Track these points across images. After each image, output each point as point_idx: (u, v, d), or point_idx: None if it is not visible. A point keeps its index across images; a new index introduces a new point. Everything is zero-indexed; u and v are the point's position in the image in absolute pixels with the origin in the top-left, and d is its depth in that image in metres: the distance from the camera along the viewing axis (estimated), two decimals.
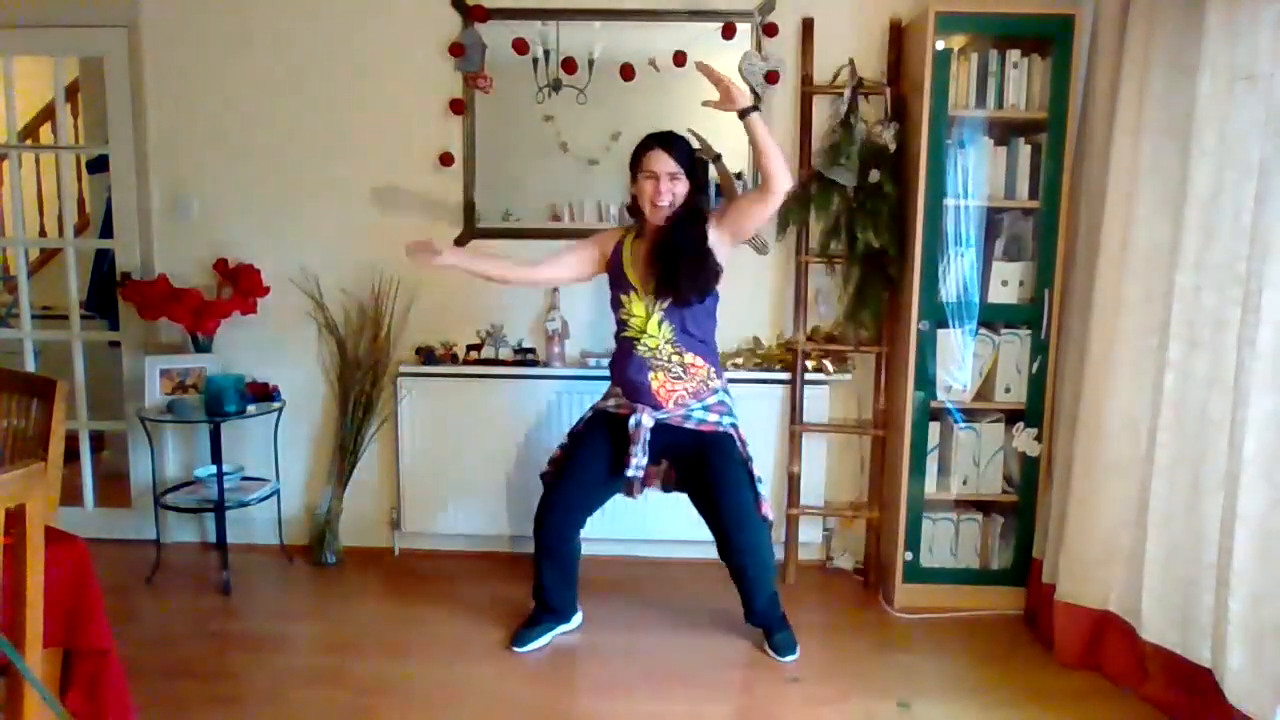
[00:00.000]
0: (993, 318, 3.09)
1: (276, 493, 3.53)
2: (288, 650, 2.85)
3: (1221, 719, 2.23)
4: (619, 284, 2.77)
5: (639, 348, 2.70)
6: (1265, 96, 2.18)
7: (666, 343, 2.67)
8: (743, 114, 2.55)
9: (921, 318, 3.03)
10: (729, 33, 3.32)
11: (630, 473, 2.68)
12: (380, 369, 3.49)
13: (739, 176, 3.40)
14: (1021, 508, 3.11)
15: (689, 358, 2.69)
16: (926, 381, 3.06)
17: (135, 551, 3.50)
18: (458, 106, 3.40)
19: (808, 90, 3.33)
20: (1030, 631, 3.00)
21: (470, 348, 3.51)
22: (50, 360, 3.88)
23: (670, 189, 2.66)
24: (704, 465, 2.73)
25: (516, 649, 2.82)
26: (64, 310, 3.70)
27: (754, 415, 3.37)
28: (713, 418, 2.73)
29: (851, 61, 3.27)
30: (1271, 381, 2.13)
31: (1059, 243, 2.98)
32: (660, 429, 2.71)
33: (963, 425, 3.12)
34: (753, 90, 3.35)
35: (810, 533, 3.44)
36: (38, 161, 4.96)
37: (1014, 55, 2.99)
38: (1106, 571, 2.68)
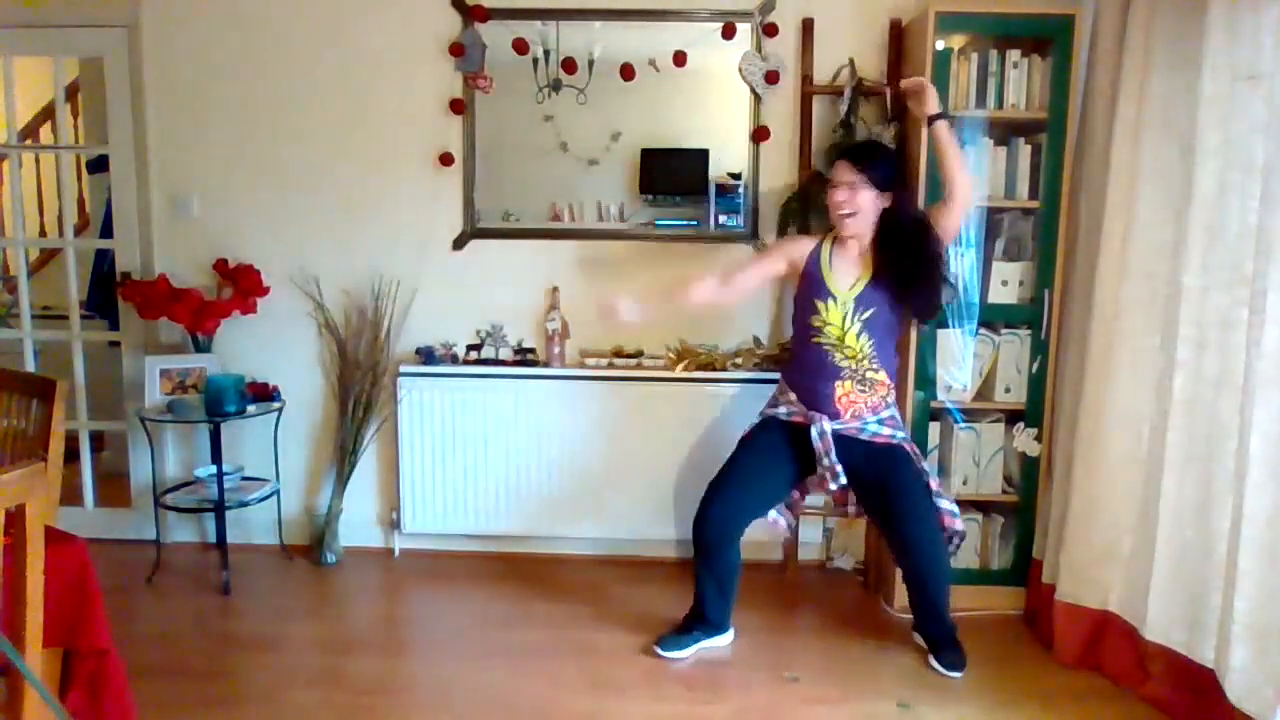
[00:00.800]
0: (993, 318, 3.09)
1: (276, 493, 3.53)
2: (287, 650, 2.85)
3: (1222, 719, 2.23)
4: (817, 291, 2.72)
5: (836, 356, 2.68)
6: (1268, 97, 2.18)
7: (865, 357, 2.67)
8: (930, 120, 2.62)
9: None
10: (729, 33, 3.32)
11: (833, 485, 2.68)
12: (380, 369, 3.50)
13: (738, 177, 3.41)
14: (1021, 508, 3.11)
15: (881, 374, 2.70)
16: (926, 381, 3.06)
17: (135, 551, 3.50)
18: (458, 106, 3.40)
19: (808, 90, 3.33)
20: (1030, 631, 3.00)
21: (470, 348, 3.51)
22: (50, 360, 3.88)
23: (850, 198, 2.68)
24: (883, 480, 2.70)
25: (661, 652, 2.78)
26: (64, 310, 3.71)
27: (754, 415, 3.37)
28: (887, 431, 2.72)
29: (851, 61, 3.28)
30: (1278, 381, 2.13)
31: (1059, 243, 2.97)
32: (835, 439, 2.68)
33: (963, 425, 3.12)
34: (752, 90, 3.36)
35: (810, 533, 3.44)
36: (38, 161, 4.96)
37: (1014, 55, 2.99)
38: (1107, 571, 2.68)
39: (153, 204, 3.53)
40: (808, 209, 3.26)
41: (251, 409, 3.32)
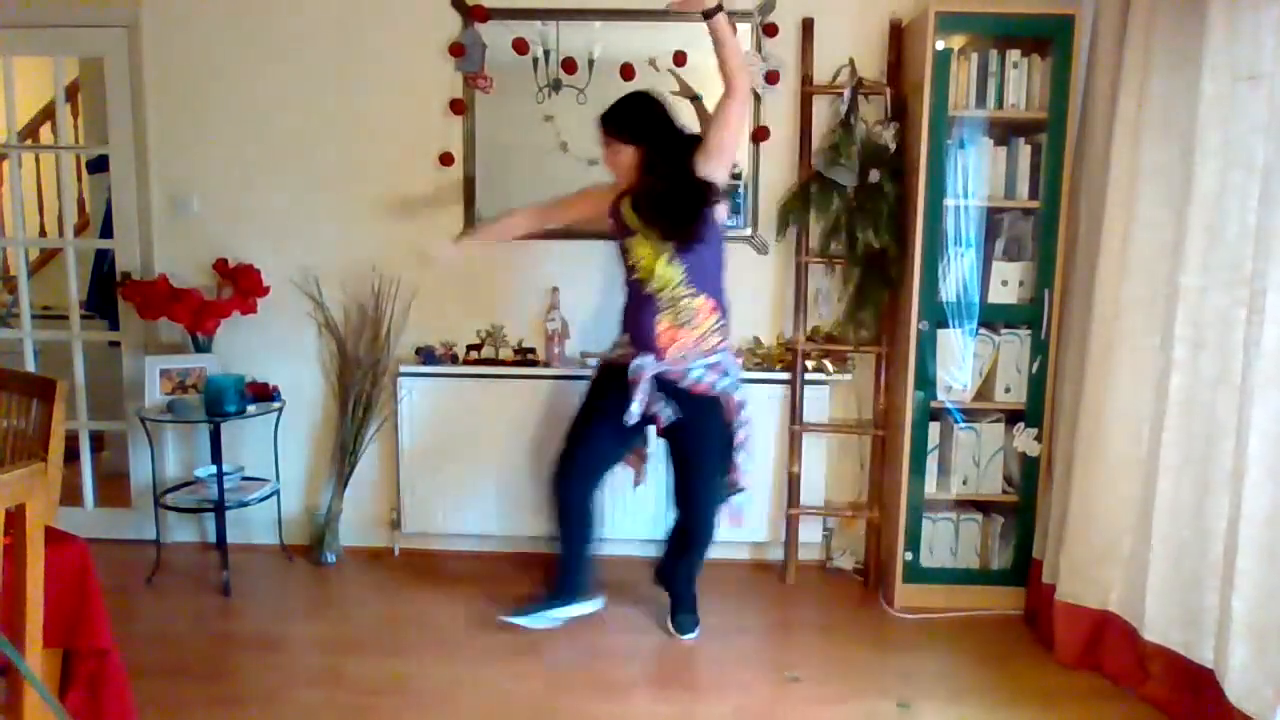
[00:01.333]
0: (993, 318, 3.09)
1: (276, 493, 3.53)
2: (288, 650, 2.85)
3: (1222, 719, 2.23)
4: (624, 231, 2.76)
5: (649, 287, 2.68)
6: (1268, 97, 2.18)
7: (678, 283, 2.66)
8: (706, 14, 2.58)
9: (921, 318, 3.03)
10: None
11: (627, 418, 2.67)
12: (380, 369, 3.50)
13: (738, 177, 3.40)
14: (1021, 508, 3.11)
15: (700, 300, 2.67)
16: (926, 381, 3.06)
17: (135, 551, 3.50)
18: (458, 106, 3.40)
19: (808, 90, 3.33)
20: (1030, 631, 3.00)
21: (470, 348, 3.51)
22: (50, 360, 3.88)
23: (611, 159, 2.75)
24: (688, 427, 2.75)
25: (513, 619, 2.88)
26: (64, 310, 3.70)
27: (754, 415, 3.36)
28: (709, 379, 2.72)
29: (851, 61, 3.28)
30: (1277, 381, 2.13)
31: (1059, 243, 2.98)
32: (658, 383, 2.71)
33: (963, 425, 3.12)
34: (753, 90, 3.36)
35: (810, 533, 3.43)
36: (38, 161, 4.96)
37: (1014, 55, 2.99)
38: (1107, 571, 2.68)
39: (153, 204, 3.53)
40: (808, 208, 3.26)
41: (251, 409, 3.31)
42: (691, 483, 2.80)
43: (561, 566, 2.90)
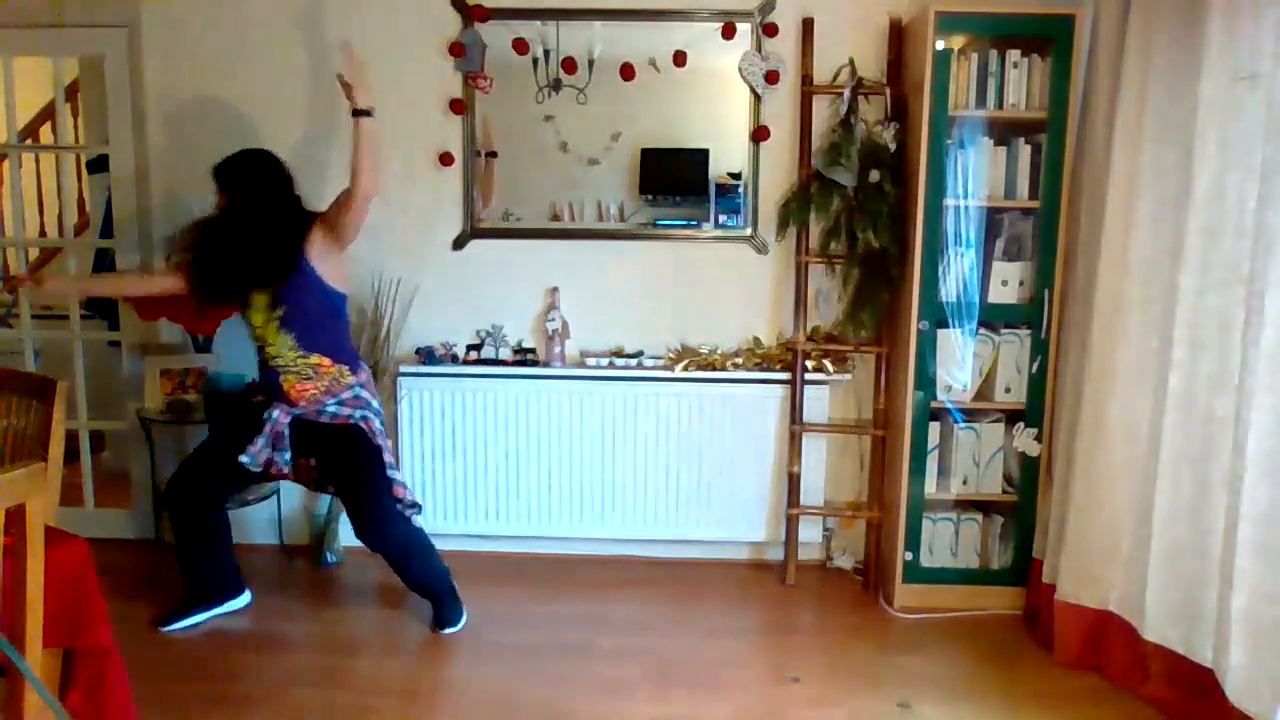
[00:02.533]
0: (993, 318, 3.09)
1: (276, 493, 3.53)
2: (288, 650, 2.85)
3: (1222, 719, 2.24)
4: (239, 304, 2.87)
5: (269, 354, 2.80)
6: (1267, 97, 2.18)
7: (289, 349, 2.78)
8: (355, 113, 2.69)
9: (921, 318, 3.03)
10: (729, 33, 3.32)
11: (245, 460, 2.77)
12: (380, 369, 3.49)
13: (737, 176, 3.41)
14: (1021, 508, 3.11)
15: (314, 359, 2.80)
16: (926, 381, 3.06)
17: (135, 551, 3.50)
18: (458, 106, 3.40)
19: (808, 90, 3.33)
20: (1030, 631, 3.00)
21: (470, 348, 3.51)
22: (50, 360, 3.88)
23: (215, 205, 2.85)
24: (338, 456, 2.86)
25: (163, 629, 2.92)
26: (64, 310, 3.71)
27: (754, 415, 3.39)
28: (346, 411, 2.84)
29: (851, 61, 3.27)
30: (1275, 381, 2.13)
31: (1059, 243, 2.98)
32: (297, 424, 2.83)
33: (963, 425, 3.12)
34: (752, 90, 3.36)
35: (810, 533, 3.43)
36: (38, 161, 4.96)
37: (1014, 55, 2.99)
38: (1107, 571, 2.68)
39: (153, 204, 3.53)
40: (808, 208, 3.26)
41: None
42: (359, 507, 2.84)
43: (191, 576, 2.96)
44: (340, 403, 2.84)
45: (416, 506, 2.94)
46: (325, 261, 2.79)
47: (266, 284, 2.75)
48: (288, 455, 2.82)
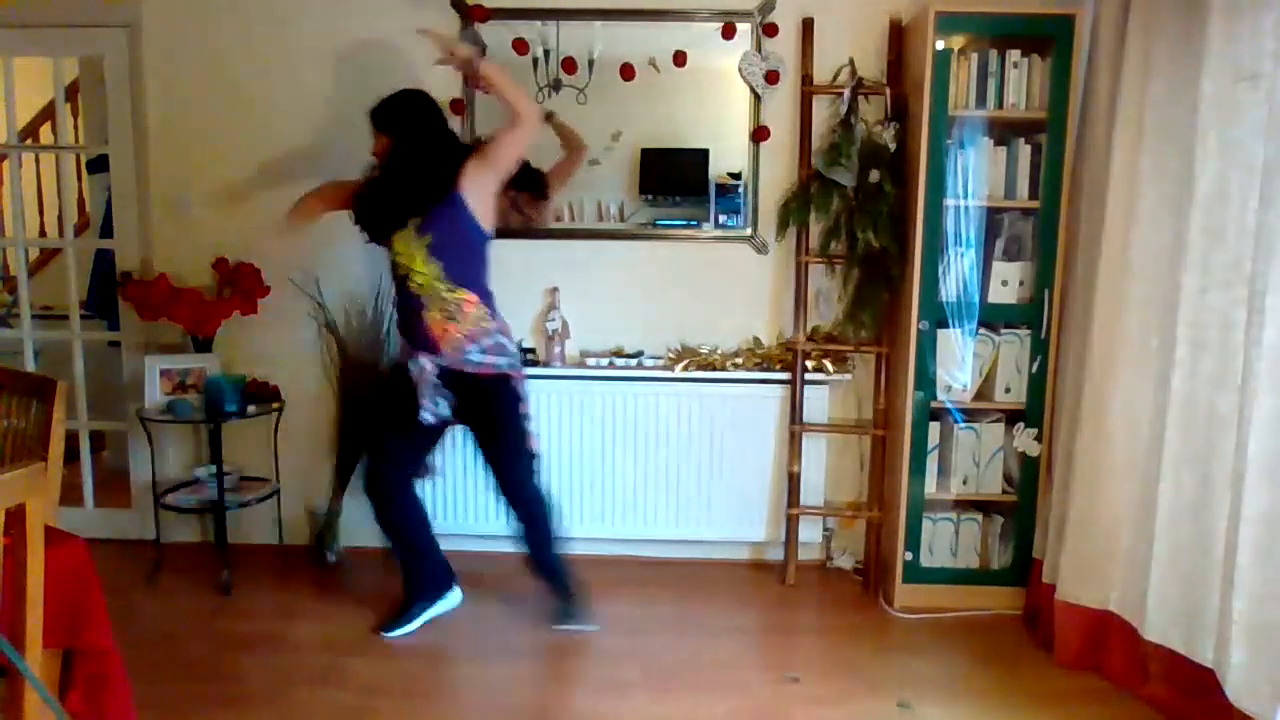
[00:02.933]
0: (993, 318, 3.09)
1: (276, 493, 3.53)
2: (288, 650, 2.85)
3: (1222, 719, 2.24)
4: None
5: (410, 284, 2.76)
6: (1268, 97, 2.18)
7: (436, 279, 2.74)
8: (472, 67, 2.69)
9: (921, 318, 3.03)
10: (729, 33, 3.32)
11: (424, 416, 2.76)
12: (380, 369, 3.49)
13: (737, 176, 3.41)
14: (1021, 508, 3.11)
15: (461, 293, 2.75)
16: (926, 381, 3.06)
17: (135, 551, 3.50)
18: (458, 107, 3.40)
19: (808, 90, 3.33)
20: (1030, 631, 3.00)
21: None
22: (50, 360, 3.88)
23: (375, 147, 2.83)
24: (484, 408, 2.83)
25: (386, 635, 2.90)
26: (64, 310, 3.71)
27: (754, 415, 3.39)
28: (490, 359, 2.80)
29: (851, 61, 3.28)
30: (1277, 381, 2.13)
31: (1059, 243, 2.98)
32: (443, 375, 2.78)
33: (963, 425, 3.12)
34: (752, 90, 3.36)
35: (810, 533, 3.44)
36: (38, 161, 4.96)
37: (1014, 55, 2.99)
38: (1107, 571, 2.68)
39: (153, 204, 3.53)
40: (808, 208, 3.26)
41: (251, 409, 3.31)
42: (504, 461, 2.85)
43: (406, 571, 2.97)
44: (483, 350, 2.78)
45: (535, 455, 2.92)
46: (476, 195, 2.75)
47: (421, 209, 2.71)
48: (447, 402, 2.79)
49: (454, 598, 3.04)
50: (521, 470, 2.87)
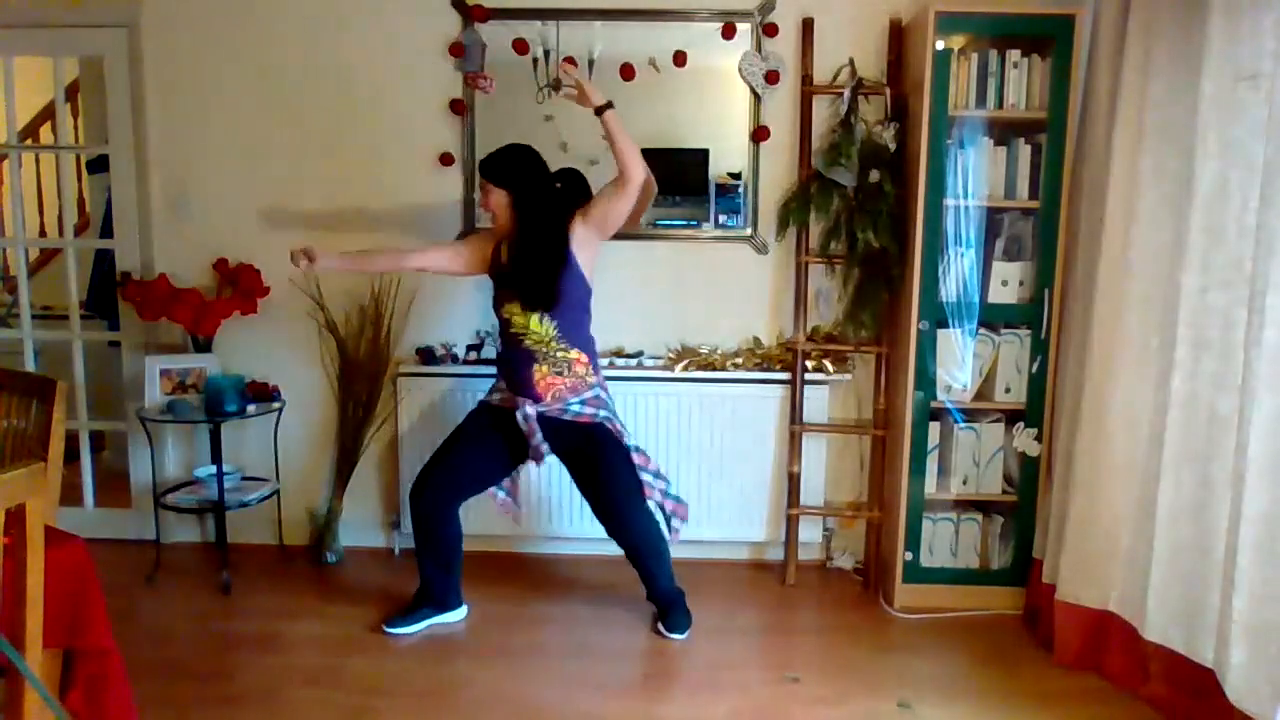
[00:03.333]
0: (993, 318, 3.09)
1: (276, 493, 3.53)
2: (288, 650, 2.85)
3: (1222, 719, 2.24)
4: (500, 279, 2.88)
5: (525, 342, 2.80)
6: (1268, 97, 2.18)
7: (551, 339, 2.79)
8: (598, 111, 2.70)
9: (921, 318, 3.03)
10: (729, 33, 3.32)
11: (539, 458, 2.81)
12: (380, 369, 3.49)
13: (737, 176, 3.41)
14: (1021, 508, 3.11)
15: (573, 353, 2.82)
16: (926, 381, 3.06)
17: (135, 551, 3.50)
18: (458, 106, 3.40)
19: (808, 90, 3.33)
20: (1030, 631, 3.00)
21: (470, 348, 3.50)
22: (50, 360, 3.88)
23: (485, 201, 2.87)
24: (587, 452, 2.85)
25: (389, 630, 2.92)
26: (64, 310, 3.71)
27: (754, 415, 3.39)
28: (589, 410, 2.84)
29: (851, 61, 3.28)
30: (1277, 381, 2.13)
31: (1059, 243, 2.98)
32: (540, 421, 2.82)
33: (963, 425, 3.12)
34: (752, 90, 3.36)
35: (810, 533, 3.43)
36: (38, 161, 4.96)
37: (1014, 55, 2.99)
38: (1107, 571, 2.68)
39: (153, 204, 3.54)
40: (808, 208, 3.26)
41: (251, 409, 3.31)
42: (610, 502, 2.85)
43: (424, 577, 2.98)
44: (583, 402, 2.84)
45: (673, 509, 2.91)
46: (582, 252, 2.81)
47: (558, 293, 2.76)
48: (545, 445, 2.81)
49: (460, 614, 3.04)
50: (628, 509, 2.85)
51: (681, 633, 2.92)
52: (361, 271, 3.31)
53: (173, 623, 3.02)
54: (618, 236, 3.43)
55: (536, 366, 2.79)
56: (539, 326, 2.78)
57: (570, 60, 2.91)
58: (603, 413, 2.85)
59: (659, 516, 2.91)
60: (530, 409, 2.79)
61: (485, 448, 2.90)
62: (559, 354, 2.80)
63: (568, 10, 3.35)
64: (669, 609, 2.96)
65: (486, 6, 3.35)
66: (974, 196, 3.02)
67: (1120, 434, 2.62)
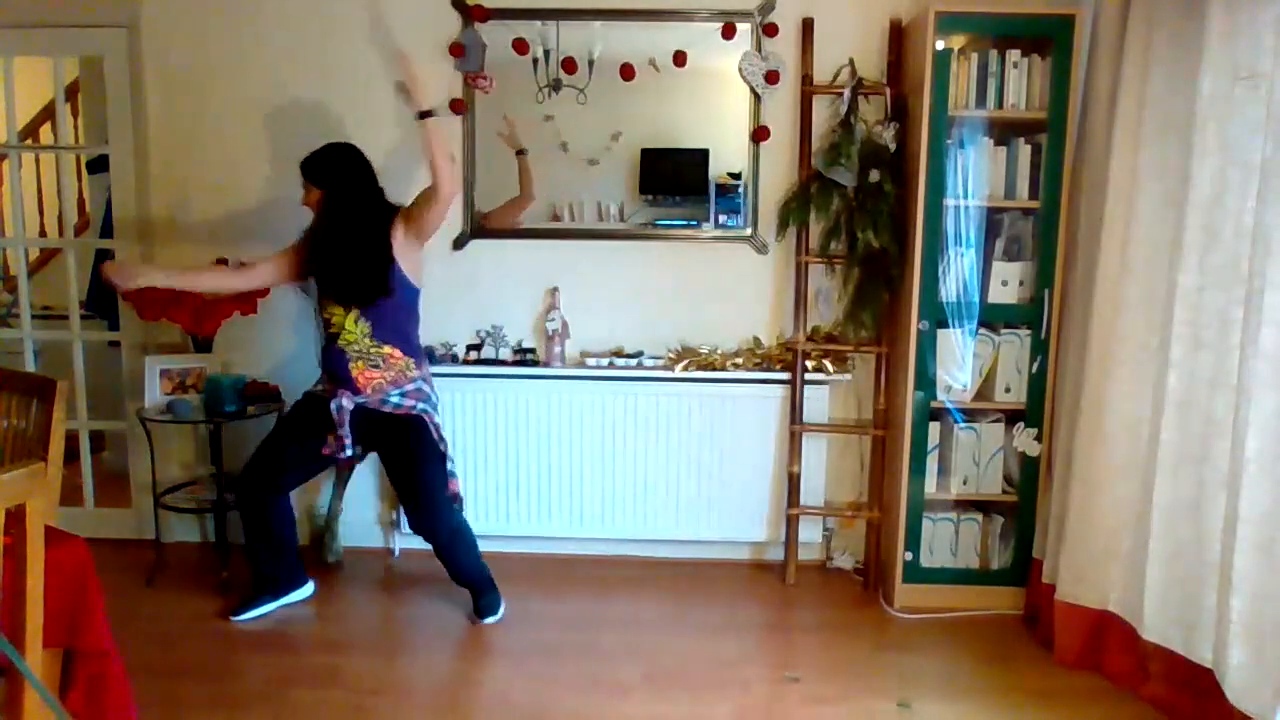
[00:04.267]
0: (993, 318, 3.09)
1: None
2: (288, 650, 2.85)
3: (1222, 719, 2.24)
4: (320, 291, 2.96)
5: (340, 342, 2.87)
6: (1266, 96, 2.18)
7: (364, 336, 2.86)
8: (419, 116, 2.78)
9: (921, 318, 3.03)
10: (729, 33, 3.32)
11: (344, 453, 2.87)
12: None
13: (737, 176, 3.41)
14: (1021, 508, 3.11)
15: (386, 349, 2.88)
16: (926, 381, 3.06)
17: (135, 551, 3.50)
18: (458, 106, 3.40)
19: (808, 90, 3.33)
20: (1030, 631, 3.00)
21: (470, 348, 3.51)
22: (50, 360, 3.88)
23: (305, 198, 2.95)
24: (400, 444, 2.93)
25: (234, 619, 2.99)
26: (64, 310, 3.71)
27: (754, 415, 3.39)
28: (409, 403, 2.92)
29: (851, 61, 3.28)
30: (1274, 381, 2.13)
31: (1059, 243, 2.98)
32: (359, 412, 2.88)
33: (963, 425, 3.12)
34: (752, 90, 3.36)
35: (810, 533, 3.43)
36: (38, 161, 4.96)
37: (1014, 55, 2.99)
38: (1106, 571, 2.68)
39: (153, 204, 3.54)
40: (808, 208, 3.26)
41: (251, 409, 3.31)
42: (416, 494, 2.91)
43: (256, 566, 3.04)
44: (404, 394, 2.91)
45: (460, 500, 3.02)
46: (405, 256, 2.88)
47: (375, 288, 2.83)
48: (350, 439, 2.87)
49: (307, 590, 3.14)
50: (438, 506, 2.92)
51: (496, 614, 3.01)
52: (190, 289, 3.10)
53: (173, 623, 3.02)
54: (618, 236, 3.47)
55: (353, 364, 2.86)
56: (353, 327, 2.85)
57: (403, 54, 2.94)
58: (421, 405, 2.93)
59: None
60: (347, 401, 2.85)
61: (305, 438, 2.95)
62: (372, 351, 2.87)
63: (568, 10, 3.35)
64: (482, 592, 3.03)
65: (486, 6, 3.35)
66: (974, 196, 3.02)
67: (1120, 434, 2.63)
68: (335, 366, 2.89)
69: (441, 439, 2.96)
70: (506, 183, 3.49)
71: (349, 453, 2.89)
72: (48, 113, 4.71)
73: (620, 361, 3.45)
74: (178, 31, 3.45)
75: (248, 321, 3.45)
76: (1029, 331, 3.05)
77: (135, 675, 2.04)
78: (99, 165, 4.04)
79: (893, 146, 3.12)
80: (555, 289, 3.50)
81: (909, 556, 3.13)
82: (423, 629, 2.99)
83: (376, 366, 2.87)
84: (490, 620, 2.99)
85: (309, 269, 2.96)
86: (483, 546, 3.53)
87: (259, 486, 2.95)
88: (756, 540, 3.50)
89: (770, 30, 3.34)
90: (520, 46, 3.36)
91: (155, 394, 3.34)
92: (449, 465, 2.97)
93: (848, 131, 3.20)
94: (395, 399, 2.90)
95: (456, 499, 2.99)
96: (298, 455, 2.97)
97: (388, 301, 2.85)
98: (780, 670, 2.74)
